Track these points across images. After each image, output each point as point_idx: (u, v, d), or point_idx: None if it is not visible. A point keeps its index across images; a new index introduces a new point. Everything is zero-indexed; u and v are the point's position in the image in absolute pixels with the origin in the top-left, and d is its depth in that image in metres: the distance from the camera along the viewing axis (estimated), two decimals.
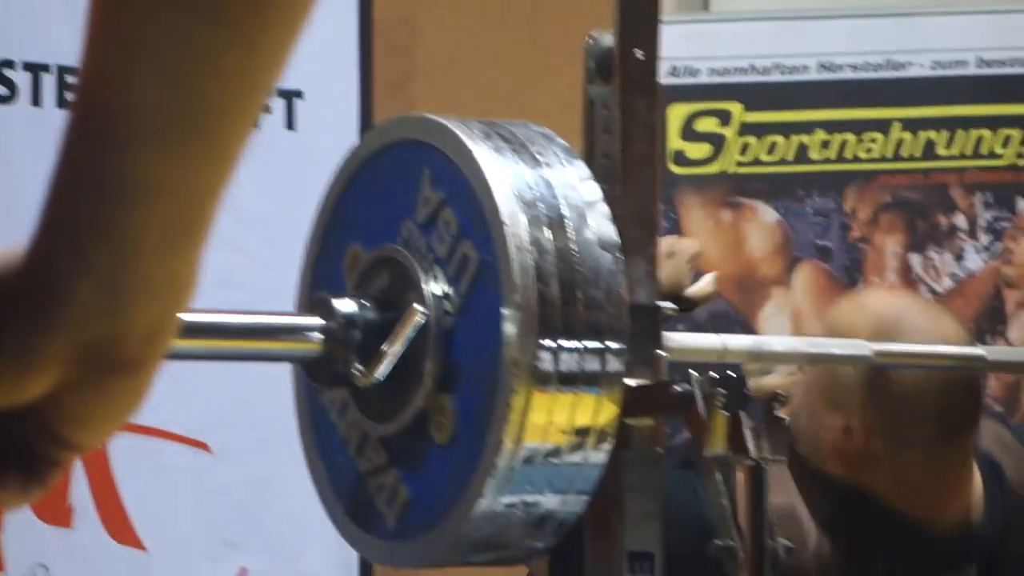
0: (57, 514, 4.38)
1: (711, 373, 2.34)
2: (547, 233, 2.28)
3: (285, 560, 4.55)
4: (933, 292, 5.15)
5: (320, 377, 2.44)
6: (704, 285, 2.94)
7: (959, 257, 5.27)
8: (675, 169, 5.22)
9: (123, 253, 1.07)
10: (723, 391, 2.31)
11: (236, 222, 4.46)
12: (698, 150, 5.27)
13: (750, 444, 2.30)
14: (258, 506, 4.51)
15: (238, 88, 1.10)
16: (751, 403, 2.34)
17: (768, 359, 2.69)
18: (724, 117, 5.29)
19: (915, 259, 5.15)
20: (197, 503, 4.50)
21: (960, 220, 5.27)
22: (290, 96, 4.66)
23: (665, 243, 3.09)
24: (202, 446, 4.51)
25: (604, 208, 2.33)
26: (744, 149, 5.28)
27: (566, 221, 2.29)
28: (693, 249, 3.10)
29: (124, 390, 1.08)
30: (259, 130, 4.61)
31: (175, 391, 4.45)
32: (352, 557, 4.57)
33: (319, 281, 2.49)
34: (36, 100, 4.47)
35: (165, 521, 4.48)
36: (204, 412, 4.50)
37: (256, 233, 4.43)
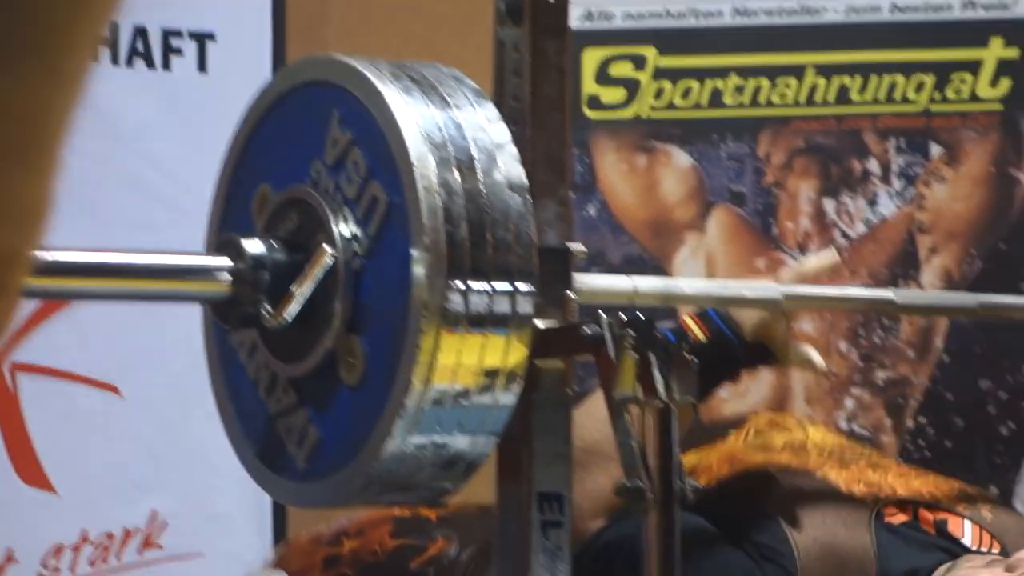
0: None
1: (621, 314, 2.35)
2: (456, 175, 2.29)
3: (196, 502, 4.56)
4: (846, 237, 5.19)
5: (229, 318, 2.45)
6: None
7: (872, 202, 5.30)
8: (589, 114, 5.22)
9: None
10: (632, 333, 2.32)
11: (149, 165, 4.46)
12: (612, 94, 5.28)
13: (659, 385, 2.31)
14: (169, 449, 4.51)
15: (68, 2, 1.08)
16: (661, 344, 2.35)
17: (678, 301, 2.71)
18: (639, 62, 5.30)
19: (828, 204, 5.19)
20: (107, 446, 4.49)
21: (873, 165, 5.30)
22: (202, 38, 4.65)
23: None
24: (112, 389, 4.50)
25: (513, 150, 2.33)
26: (658, 94, 5.29)
27: (475, 163, 2.30)
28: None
29: None
30: (171, 72, 4.61)
31: (85, 334, 4.47)
32: (265, 498, 4.58)
33: (228, 222, 2.49)
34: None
35: (75, 464, 4.47)
36: (114, 356, 4.49)
37: (169, 177, 4.41)
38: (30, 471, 4.43)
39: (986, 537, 2.89)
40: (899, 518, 2.84)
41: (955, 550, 2.86)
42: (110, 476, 4.50)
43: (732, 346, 2.84)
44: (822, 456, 2.98)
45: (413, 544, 2.92)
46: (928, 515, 2.86)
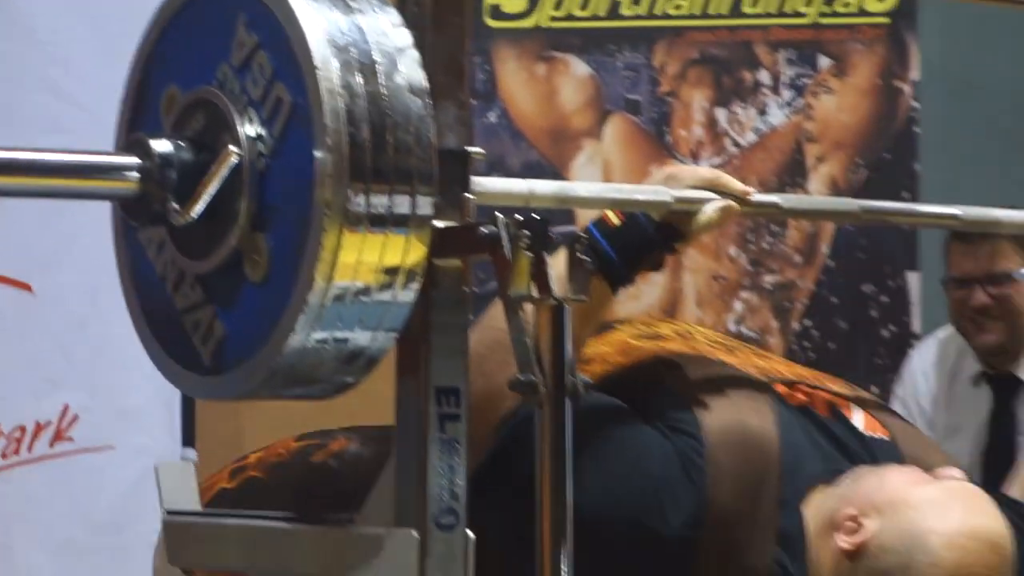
0: None
1: (517, 216, 2.36)
2: (358, 78, 2.29)
3: (107, 396, 4.55)
4: (737, 145, 5.22)
5: (138, 215, 2.44)
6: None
7: (762, 112, 5.34)
8: (491, 23, 5.22)
9: None
10: (528, 233, 2.33)
11: (62, 69, 4.43)
12: (513, 4, 5.28)
13: (553, 284, 2.32)
14: (80, 345, 4.50)
15: None
16: (555, 245, 2.36)
17: (573, 204, 2.72)
18: None
19: (721, 113, 5.22)
20: (19, 342, 4.48)
21: (764, 76, 5.34)
22: None
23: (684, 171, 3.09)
24: (25, 287, 4.49)
25: (415, 54, 2.33)
26: (558, 4, 5.30)
27: (377, 66, 2.30)
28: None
29: None
30: None
31: None
32: (174, 393, 4.58)
33: (137, 123, 2.48)
34: None
35: None
36: (26, 254, 4.47)
37: (82, 80, 4.38)
38: None
39: (876, 424, 2.91)
40: (797, 400, 2.87)
41: (849, 433, 2.86)
42: (22, 371, 4.48)
43: (643, 226, 2.84)
44: (710, 344, 2.99)
45: (316, 443, 2.92)
46: (821, 396, 2.90)
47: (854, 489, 2.76)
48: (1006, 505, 2.94)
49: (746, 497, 2.75)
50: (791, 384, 2.91)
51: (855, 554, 2.72)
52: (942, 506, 2.71)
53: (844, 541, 2.72)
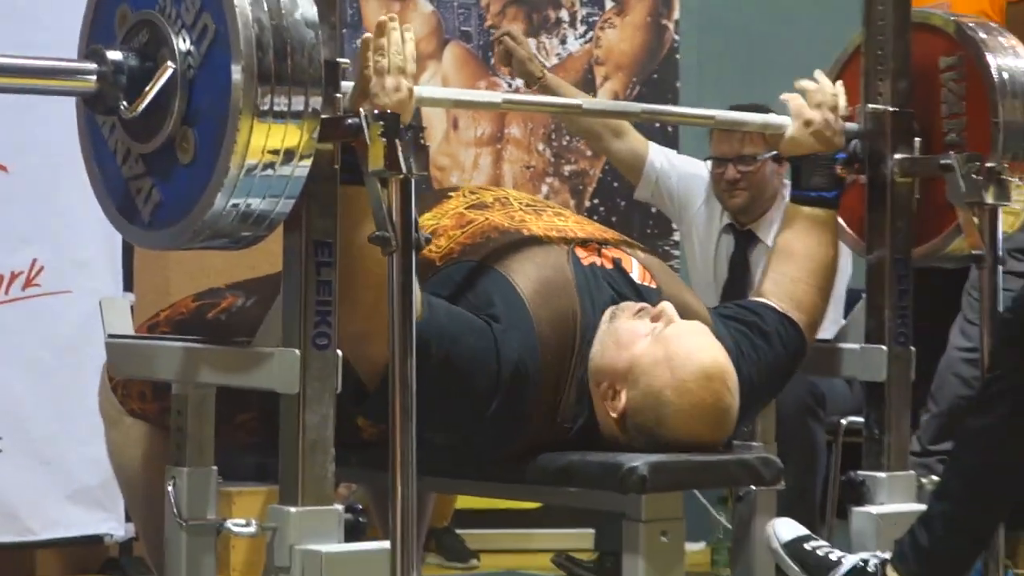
0: None
1: (375, 111, 2.36)
2: (266, 10, 2.28)
3: (65, 251, 4.49)
4: (544, 66, 5.22)
5: (96, 108, 2.43)
6: None
7: (563, 41, 5.35)
8: None
9: None
10: (382, 124, 2.34)
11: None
12: None
13: (402, 162, 2.33)
14: (45, 212, 4.43)
15: None
16: (404, 132, 2.37)
17: (422, 103, 2.69)
18: None
19: (531, 42, 5.19)
20: None
21: (564, 14, 5.34)
22: None
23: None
24: (1, 168, 4.43)
25: None
26: None
27: (280, 3, 2.29)
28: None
29: None
30: None
31: None
32: (116, 249, 4.55)
33: (95, 37, 2.45)
34: None
35: None
36: (3, 139, 4.40)
37: (48, 6, 4.30)
38: None
39: (647, 274, 2.87)
40: (588, 258, 2.82)
41: (627, 281, 2.83)
42: (1, 231, 4.43)
43: None
44: (522, 207, 2.95)
45: (209, 302, 2.89)
46: (607, 253, 2.86)
47: (608, 356, 2.71)
48: (725, 312, 2.99)
49: (561, 332, 2.72)
50: (584, 243, 2.87)
51: (621, 419, 2.70)
52: (666, 361, 2.67)
53: (611, 408, 2.71)
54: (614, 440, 2.73)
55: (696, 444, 2.70)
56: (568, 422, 2.73)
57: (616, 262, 2.88)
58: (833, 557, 2.82)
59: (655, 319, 2.74)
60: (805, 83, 3.07)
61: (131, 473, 2.92)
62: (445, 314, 2.63)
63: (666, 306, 2.75)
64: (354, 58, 2.57)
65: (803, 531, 2.89)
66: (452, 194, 3.00)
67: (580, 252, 2.84)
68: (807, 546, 2.85)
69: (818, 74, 3.10)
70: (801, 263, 3.02)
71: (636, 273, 2.88)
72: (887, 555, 2.79)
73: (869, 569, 2.79)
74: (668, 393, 2.68)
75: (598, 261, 2.86)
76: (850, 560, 2.81)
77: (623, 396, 2.70)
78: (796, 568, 2.83)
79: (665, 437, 2.68)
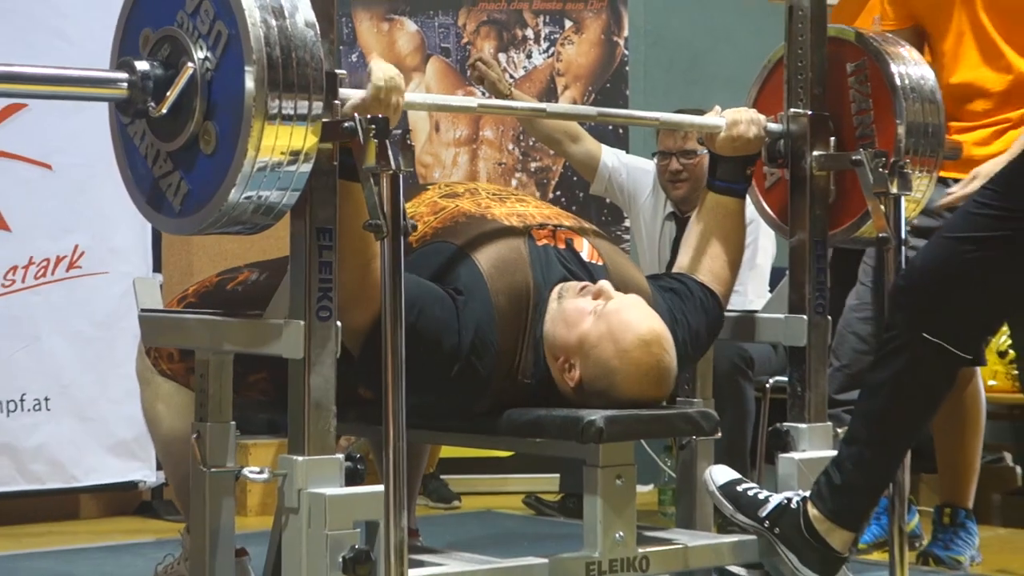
0: None
1: (368, 116, 2.35)
2: (273, 19, 2.26)
3: (104, 236, 4.48)
4: (512, 78, 5.21)
5: (127, 112, 2.40)
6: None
7: (529, 56, 5.34)
8: None
9: None
10: (374, 127, 2.32)
11: (64, 20, 4.32)
12: None
13: (391, 160, 2.32)
14: (85, 205, 4.42)
15: None
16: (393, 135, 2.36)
17: (410, 107, 2.68)
18: None
19: (502, 57, 5.20)
20: (43, 202, 4.39)
21: (529, 32, 5.33)
22: None
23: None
24: (47, 166, 4.40)
25: (308, 6, 2.31)
26: None
27: (284, 10, 2.28)
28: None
29: None
30: None
31: (28, 127, 4.34)
32: (147, 236, 4.54)
33: (124, 52, 2.43)
34: None
35: (23, 213, 4.37)
36: (48, 142, 4.37)
37: (77, 27, 4.28)
38: None
39: (595, 253, 2.87)
40: (543, 239, 2.81)
41: (577, 260, 2.82)
42: (47, 222, 4.41)
43: None
44: (488, 196, 2.93)
45: (228, 276, 2.89)
46: (561, 235, 2.85)
47: (559, 333, 2.70)
48: (663, 282, 2.99)
49: (515, 303, 2.72)
50: (541, 226, 2.85)
51: (578, 387, 2.70)
52: (610, 335, 2.66)
53: (569, 379, 2.70)
54: (569, 394, 2.73)
55: (644, 401, 2.70)
56: (528, 378, 2.72)
57: (568, 242, 2.86)
58: (761, 496, 2.83)
59: (596, 296, 2.72)
60: (737, 110, 3.08)
61: (161, 425, 2.92)
62: (415, 286, 2.60)
63: (604, 284, 2.74)
64: (350, 70, 2.55)
65: (736, 475, 2.90)
66: (430, 187, 3.00)
67: (536, 234, 2.83)
68: (739, 488, 2.85)
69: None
70: (717, 243, 3.03)
71: (586, 252, 2.87)
72: (807, 493, 2.81)
73: (792, 506, 2.79)
74: (615, 362, 2.67)
75: (552, 242, 2.84)
76: (776, 498, 2.81)
77: (577, 368, 2.70)
78: (730, 507, 2.83)
79: (617, 398, 2.68)
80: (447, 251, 2.76)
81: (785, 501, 2.80)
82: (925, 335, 2.68)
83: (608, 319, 2.69)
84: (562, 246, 2.85)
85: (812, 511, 2.76)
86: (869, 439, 2.75)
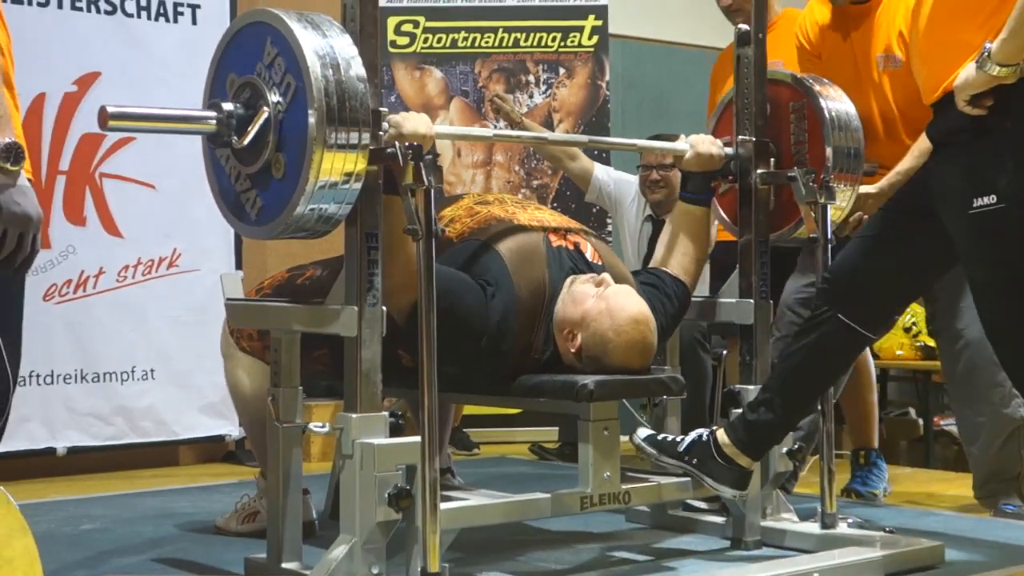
0: (78, 219, 4.25)
1: (407, 143, 2.34)
2: (331, 72, 2.25)
3: (196, 241, 4.46)
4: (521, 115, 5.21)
5: (216, 142, 2.40)
6: None
7: (531, 96, 5.30)
8: (392, 50, 5.15)
9: None
10: (411, 152, 2.31)
11: (166, 71, 4.32)
12: (402, 40, 5.21)
13: (424, 178, 2.30)
14: (181, 216, 4.40)
15: None
16: (429, 154, 2.34)
17: (440, 137, 2.66)
18: (416, 24, 5.23)
19: (510, 96, 5.16)
20: (149, 214, 4.38)
21: (531, 78, 5.30)
22: (194, 7, 4.49)
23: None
24: (151, 186, 4.39)
25: (359, 60, 2.30)
26: (426, 40, 5.23)
27: (340, 66, 2.26)
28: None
29: None
30: (178, 24, 4.44)
31: (136, 155, 4.32)
32: (230, 240, 4.51)
33: (214, 93, 2.42)
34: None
35: (133, 224, 4.35)
36: (152, 166, 4.36)
37: (177, 77, 4.26)
38: (110, 227, 4.31)
39: (596, 254, 2.86)
40: (556, 241, 2.81)
41: (582, 259, 2.81)
42: (152, 230, 4.39)
43: None
44: (513, 203, 2.94)
45: (297, 272, 2.88)
46: (571, 238, 2.85)
47: (567, 311, 2.69)
48: (643, 278, 2.95)
49: (534, 293, 2.70)
50: (555, 230, 2.85)
51: (577, 353, 2.68)
52: (607, 312, 2.65)
53: (571, 346, 2.69)
54: (572, 367, 2.71)
55: (629, 369, 2.69)
56: (539, 354, 2.72)
57: (576, 245, 2.85)
58: (677, 439, 2.78)
59: (598, 284, 2.72)
60: (698, 136, 3.06)
61: (242, 390, 2.91)
62: (452, 278, 2.60)
63: (606, 276, 2.75)
64: (390, 109, 2.53)
65: (652, 432, 2.86)
66: (465, 196, 3.00)
67: (551, 236, 2.83)
68: (658, 438, 2.81)
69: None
70: (686, 243, 3.01)
71: (589, 253, 2.86)
72: (713, 428, 2.77)
73: (703, 438, 2.74)
74: (610, 334, 2.66)
75: (563, 244, 2.83)
76: (689, 437, 2.77)
77: (578, 337, 2.69)
78: (653, 451, 2.77)
79: (608, 364, 2.67)
80: (480, 247, 2.75)
81: (696, 436, 2.76)
82: (840, 316, 2.66)
83: (607, 300, 2.68)
84: (571, 247, 2.84)
85: (723, 439, 2.72)
86: (780, 390, 2.72)
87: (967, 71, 2.37)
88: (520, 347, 2.69)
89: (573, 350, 2.70)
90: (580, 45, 5.32)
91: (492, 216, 2.84)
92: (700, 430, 2.80)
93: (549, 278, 2.74)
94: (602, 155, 4.92)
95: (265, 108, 2.30)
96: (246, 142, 2.33)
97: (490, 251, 2.73)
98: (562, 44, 5.30)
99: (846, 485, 3.75)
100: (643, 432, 2.83)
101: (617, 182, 4.49)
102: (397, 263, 2.43)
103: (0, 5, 2.07)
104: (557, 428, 4.99)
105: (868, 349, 3.79)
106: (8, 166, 1.91)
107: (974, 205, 2.39)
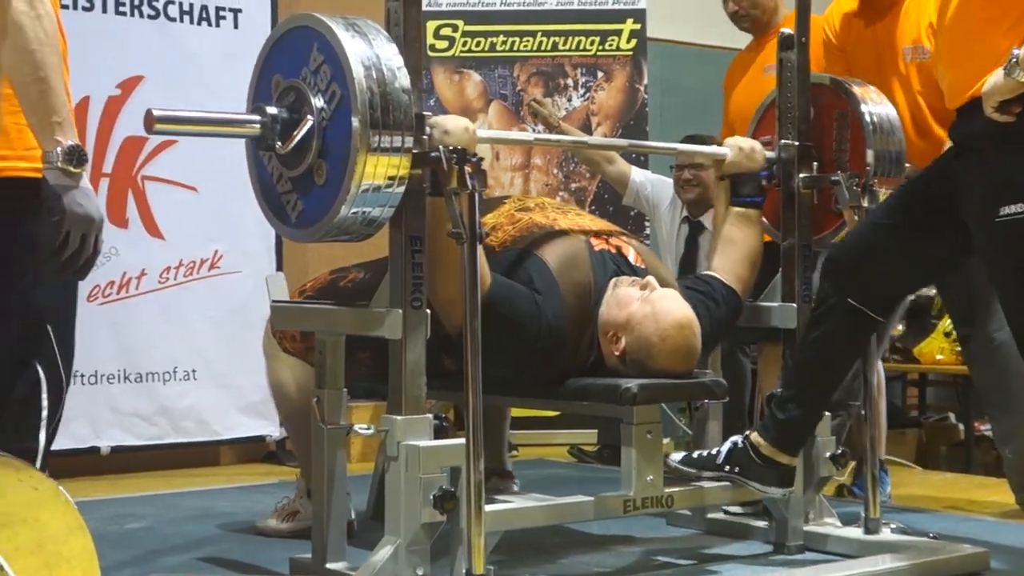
0: (121, 221, 4.27)
1: (451, 147, 2.34)
2: (376, 84, 2.25)
3: (238, 243, 4.47)
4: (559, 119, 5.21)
5: (260, 146, 2.41)
6: None
7: (569, 100, 5.31)
8: (431, 53, 5.16)
9: None
10: (455, 155, 2.32)
11: (206, 74, 4.33)
12: (441, 44, 5.22)
13: (468, 182, 2.31)
14: (223, 218, 4.42)
15: None
16: (474, 157, 2.34)
17: (481, 141, 2.67)
18: (455, 27, 5.24)
19: (548, 100, 5.16)
20: (191, 216, 4.39)
21: (570, 81, 5.30)
22: (236, 11, 4.52)
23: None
24: (192, 188, 4.41)
25: (404, 70, 2.30)
26: (465, 44, 5.24)
27: (385, 76, 2.27)
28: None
29: None
30: (220, 28, 4.47)
31: (178, 158, 4.34)
32: (271, 242, 4.53)
33: (258, 98, 2.43)
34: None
35: (174, 225, 4.37)
36: (194, 169, 4.37)
37: (217, 81, 4.28)
38: (153, 229, 4.34)
39: (639, 257, 2.86)
40: (599, 245, 2.81)
41: (625, 262, 2.81)
42: (193, 232, 4.40)
43: None
44: (554, 209, 2.94)
45: (340, 275, 2.89)
46: (613, 242, 2.85)
47: (612, 314, 2.68)
48: (687, 283, 2.94)
49: (580, 297, 2.70)
50: (596, 234, 2.85)
51: (621, 356, 2.68)
52: (652, 316, 2.65)
53: (615, 349, 2.69)
54: (615, 370, 2.71)
55: (672, 373, 2.68)
56: (584, 357, 2.72)
57: (618, 248, 2.85)
58: (712, 452, 2.79)
59: (643, 288, 2.72)
60: (736, 138, 3.06)
61: (285, 391, 2.93)
62: (507, 288, 2.61)
63: (651, 279, 2.75)
64: (430, 112, 2.53)
65: (687, 452, 2.86)
66: (506, 200, 2.99)
67: (593, 241, 2.82)
68: (693, 456, 2.82)
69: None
70: (739, 248, 2.99)
71: (632, 256, 2.86)
72: (747, 433, 2.77)
73: (739, 445, 2.75)
74: (654, 339, 2.66)
75: (606, 247, 2.83)
76: (723, 448, 2.78)
77: (623, 341, 2.69)
78: (693, 471, 2.78)
79: (651, 369, 2.66)
80: (523, 256, 2.75)
81: (731, 445, 2.77)
82: (848, 300, 2.67)
83: (652, 304, 2.68)
84: (613, 251, 2.84)
85: (759, 440, 2.74)
86: (802, 383, 2.74)
87: (995, 78, 2.35)
88: (568, 350, 2.69)
89: (617, 353, 2.69)
90: (618, 49, 5.32)
91: (534, 223, 2.84)
92: (734, 438, 2.80)
93: (594, 281, 2.74)
94: (639, 159, 4.92)
95: (309, 116, 2.30)
96: (289, 148, 2.33)
97: (534, 258, 2.73)
98: (600, 48, 5.30)
99: (843, 484, 3.73)
100: (677, 455, 2.82)
101: (654, 185, 4.49)
102: (452, 274, 2.41)
103: (59, 13, 2.08)
104: (596, 431, 4.98)
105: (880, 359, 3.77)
106: (71, 168, 1.93)
107: (1001, 213, 2.38)
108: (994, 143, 2.41)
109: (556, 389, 2.69)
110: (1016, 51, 2.32)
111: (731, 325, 2.96)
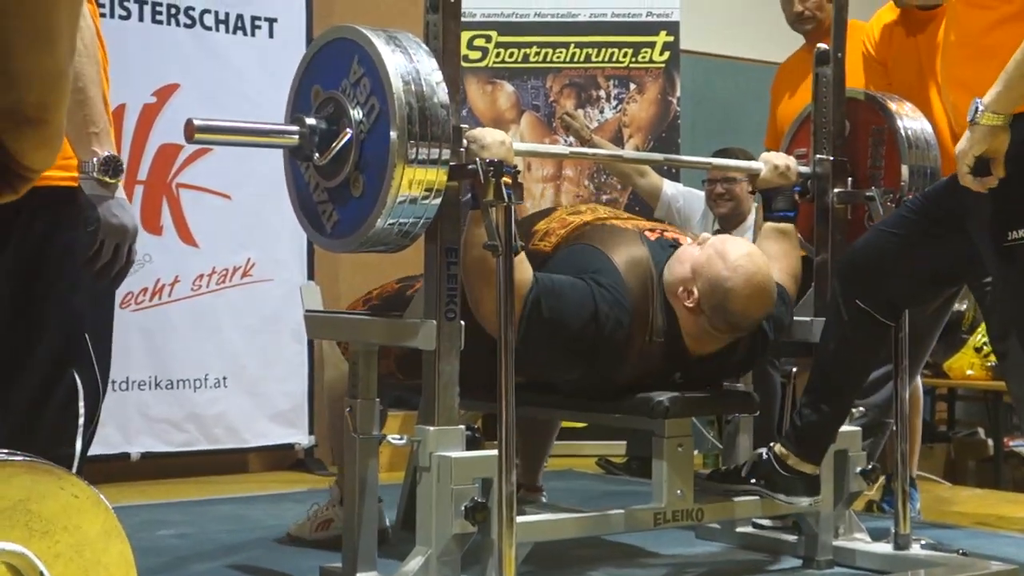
0: (154, 228, 4.30)
1: (488, 159, 2.35)
2: (415, 99, 2.26)
3: (270, 252, 4.49)
4: (588, 129, 5.21)
5: (297, 156, 2.43)
6: None
7: (601, 112, 5.31)
8: (464, 64, 5.18)
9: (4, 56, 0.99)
10: (491, 168, 2.32)
11: (244, 83, 4.37)
12: (475, 55, 5.24)
13: (504, 194, 2.32)
14: (256, 226, 4.44)
15: None
16: (509, 170, 2.35)
17: (518, 154, 2.68)
18: (488, 38, 5.26)
19: (579, 112, 5.17)
20: (224, 224, 4.42)
21: (602, 93, 5.31)
22: (272, 20, 4.54)
23: None
24: (226, 196, 4.44)
25: (444, 85, 2.31)
26: (498, 55, 5.26)
27: (423, 90, 2.27)
28: None
29: (37, 135, 1.03)
30: (255, 38, 4.50)
31: (212, 166, 4.37)
32: (302, 250, 4.54)
33: (297, 108, 2.45)
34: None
35: (208, 233, 4.40)
36: (228, 177, 4.39)
37: (256, 90, 4.31)
38: (187, 237, 4.37)
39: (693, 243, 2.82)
40: (653, 236, 2.79)
41: (672, 249, 2.76)
42: (227, 239, 4.43)
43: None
44: (604, 212, 2.95)
45: (407, 284, 2.88)
46: (667, 234, 2.84)
47: (675, 271, 2.69)
48: None
49: (640, 277, 2.68)
50: (650, 229, 2.85)
51: (697, 306, 2.65)
52: (718, 255, 2.65)
53: (689, 302, 2.65)
54: (696, 334, 2.67)
55: (755, 304, 2.65)
56: (659, 336, 2.68)
57: (674, 238, 2.85)
58: (736, 466, 2.81)
59: (701, 243, 2.74)
60: (770, 154, 3.06)
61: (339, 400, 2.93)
62: (549, 280, 2.59)
63: (705, 234, 2.77)
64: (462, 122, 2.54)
65: (713, 469, 2.88)
66: (558, 208, 3.01)
67: (647, 232, 2.82)
68: (721, 470, 2.84)
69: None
70: (779, 261, 2.99)
71: (688, 243, 2.85)
72: (771, 445, 2.78)
73: (763, 458, 2.76)
74: (725, 273, 2.64)
75: (661, 237, 2.83)
76: (749, 460, 2.80)
77: (695, 290, 2.66)
78: (720, 487, 2.78)
79: (731, 309, 2.64)
80: (581, 249, 2.75)
81: (757, 458, 2.78)
82: (857, 302, 2.68)
83: (714, 246, 2.70)
84: (668, 238, 2.84)
85: (782, 451, 2.75)
86: (821, 391, 2.74)
87: (963, 138, 2.35)
88: (639, 331, 2.65)
89: (691, 305, 2.66)
90: (651, 61, 5.32)
91: (584, 222, 2.86)
92: (759, 450, 2.81)
93: (651, 256, 2.73)
94: (671, 171, 4.92)
95: (348, 128, 2.32)
96: (327, 159, 2.35)
97: (587, 248, 2.74)
98: (633, 60, 5.31)
99: (873, 500, 3.72)
100: (702, 473, 2.82)
101: (686, 198, 4.49)
102: (494, 287, 2.37)
103: (99, 22, 2.10)
104: (624, 442, 4.98)
105: (920, 383, 3.75)
106: (107, 179, 1.95)
107: (1008, 237, 2.38)
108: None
109: (587, 402, 2.69)
110: (977, 101, 2.31)
111: (784, 325, 2.93)
